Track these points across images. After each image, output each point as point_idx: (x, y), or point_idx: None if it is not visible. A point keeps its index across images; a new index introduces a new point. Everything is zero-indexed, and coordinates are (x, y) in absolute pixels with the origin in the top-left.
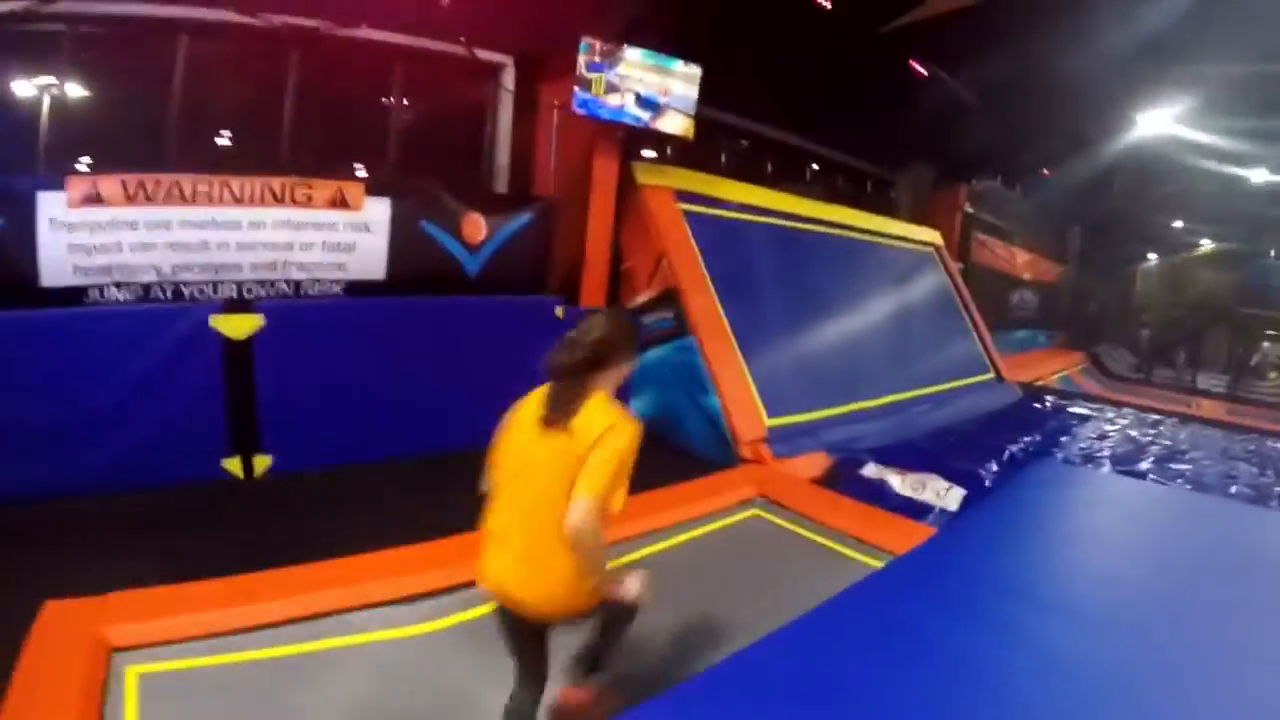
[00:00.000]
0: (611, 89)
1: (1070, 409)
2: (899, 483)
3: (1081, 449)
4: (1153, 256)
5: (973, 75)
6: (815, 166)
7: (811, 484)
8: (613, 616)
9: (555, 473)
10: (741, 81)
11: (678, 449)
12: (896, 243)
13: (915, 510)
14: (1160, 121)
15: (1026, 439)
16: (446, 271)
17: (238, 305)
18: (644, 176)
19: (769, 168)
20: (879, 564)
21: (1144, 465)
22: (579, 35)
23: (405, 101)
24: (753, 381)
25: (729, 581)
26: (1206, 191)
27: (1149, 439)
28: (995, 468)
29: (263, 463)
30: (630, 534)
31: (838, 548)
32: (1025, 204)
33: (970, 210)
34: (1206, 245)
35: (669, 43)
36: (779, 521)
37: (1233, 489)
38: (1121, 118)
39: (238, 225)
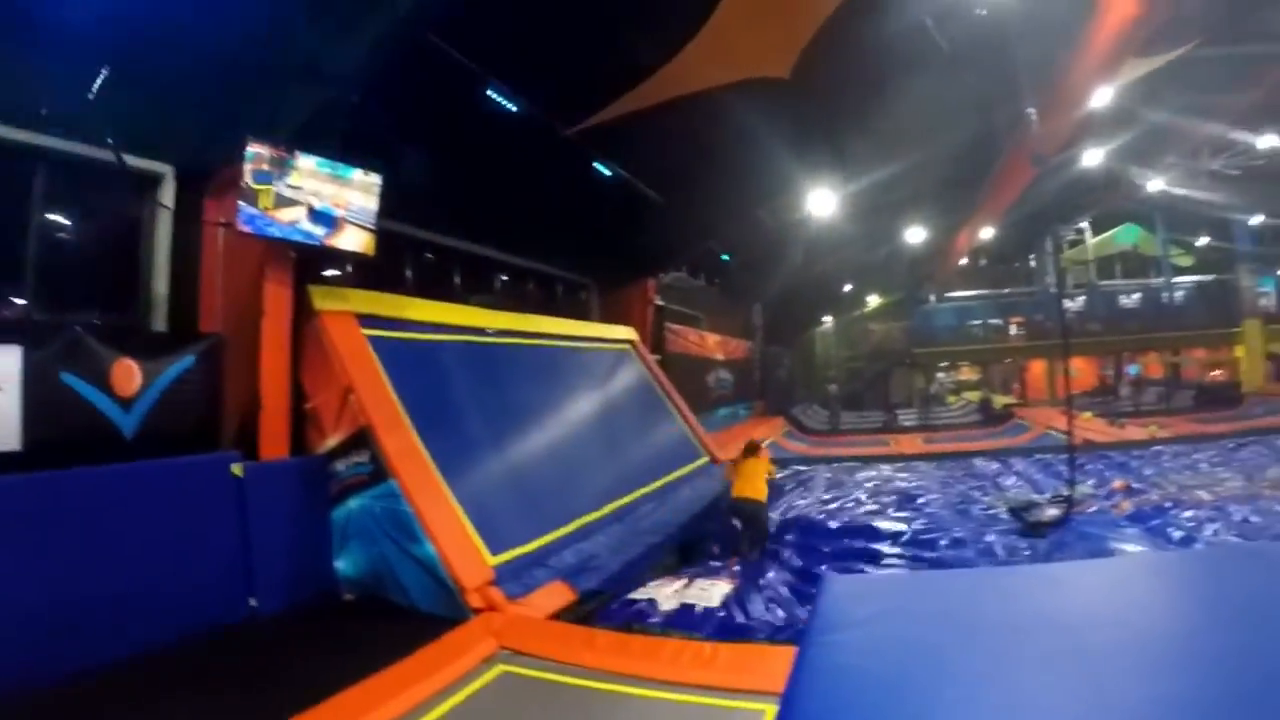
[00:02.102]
0: (283, 203)
1: (785, 476)
2: (651, 596)
3: (820, 516)
4: (828, 319)
5: (654, 172)
6: (504, 276)
7: (555, 621)
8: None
9: (759, 470)
10: (423, 192)
11: (398, 609)
12: (593, 344)
13: (678, 620)
14: (826, 200)
15: None
16: (96, 433)
17: None
18: (322, 302)
19: (457, 280)
20: (658, 696)
21: (890, 514)
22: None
23: (47, 219)
24: (468, 519)
25: None
26: (870, 255)
27: (875, 485)
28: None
29: None
30: None
31: (604, 687)
32: (710, 290)
33: (660, 302)
34: (874, 301)
35: (346, 150)
36: (530, 673)
37: (971, 510)
38: (791, 201)
39: None
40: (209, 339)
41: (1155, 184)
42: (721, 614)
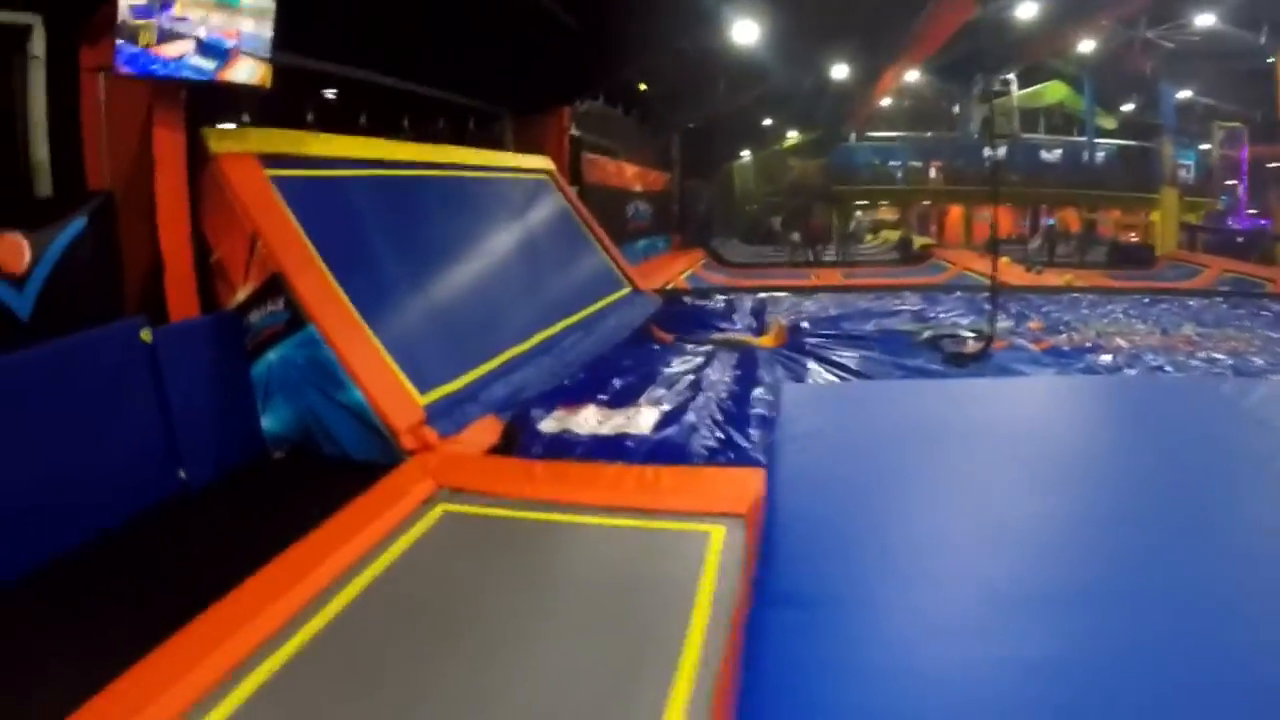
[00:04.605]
0: (167, 37)
1: (710, 305)
2: (581, 423)
3: None
4: (746, 153)
5: None
6: (410, 112)
7: (491, 456)
8: None
9: None
10: (320, 18)
11: (331, 462)
12: (510, 175)
13: (610, 449)
14: (748, 29)
15: None
16: None
17: None
18: (218, 143)
19: (362, 119)
20: (603, 522)
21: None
22: None
23: None
24: (393, 360)
25: (452, 601)
26: (792, 90)
27: (799, 314)
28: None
29: None
30: (310, 595)
31: (549, 517)
32: (627, 120)
33: (576, 133)
34: (794, 136)
35: None
36: (472, 510)
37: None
38: (713, 27)
39: None
40: (98, 197)
41: (1087, 45)
42: (655, 439)
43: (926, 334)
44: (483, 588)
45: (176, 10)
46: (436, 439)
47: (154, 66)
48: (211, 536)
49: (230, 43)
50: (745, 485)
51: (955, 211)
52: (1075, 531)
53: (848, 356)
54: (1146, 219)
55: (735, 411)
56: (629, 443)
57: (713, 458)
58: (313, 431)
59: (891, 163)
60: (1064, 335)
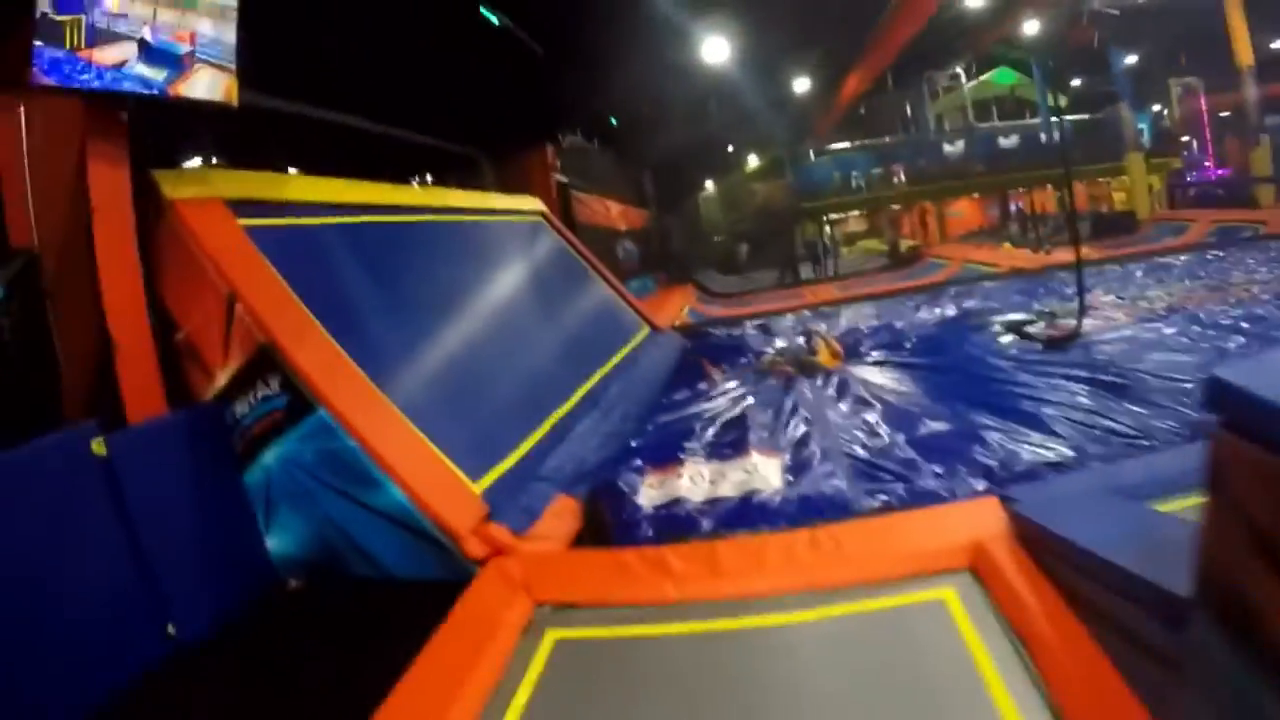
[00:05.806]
0: (101, 38)
1: (737, 332)
2: (689, 487)
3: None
4: (709, 184)
5: (538, 22)
6: (386, 161)
7: (586, 550)
8: None
9: None
10: (280, 54)
11: (368, 586)
12: (506, 217)
13: (745, 515)
14: (718, 46)
15: None
16: None
17: None
18: (175, 188)
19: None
20: (790, 619)
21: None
22: None
23: None
24: (432, 442)
25: None
26: (753, 112)
27: (840, 331)
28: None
29: None
30: None
31: (710, 627)
32: (604, 155)
33: (562, 178)
34: (755, 162)
35: None
36: (594, 633)
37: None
38: (681, 45)
39: None
40: (20, 258)
41: (1033, 26)
42: (799, 494)
43: (999, 324)
44: None
45: (112, 5)
46: (510, 538)
47: (85, 76)
48: (228, 711)
49: (185, 47)
50: (959, 527)
51: (927, 210)
52: None
53: (934, 360)
54: (1107, 189)
55: (874, 443)
56: (763, 502)
57: (890, 504)
58: (338, 549)
59: (853, 173)
60: (1133, 305)
